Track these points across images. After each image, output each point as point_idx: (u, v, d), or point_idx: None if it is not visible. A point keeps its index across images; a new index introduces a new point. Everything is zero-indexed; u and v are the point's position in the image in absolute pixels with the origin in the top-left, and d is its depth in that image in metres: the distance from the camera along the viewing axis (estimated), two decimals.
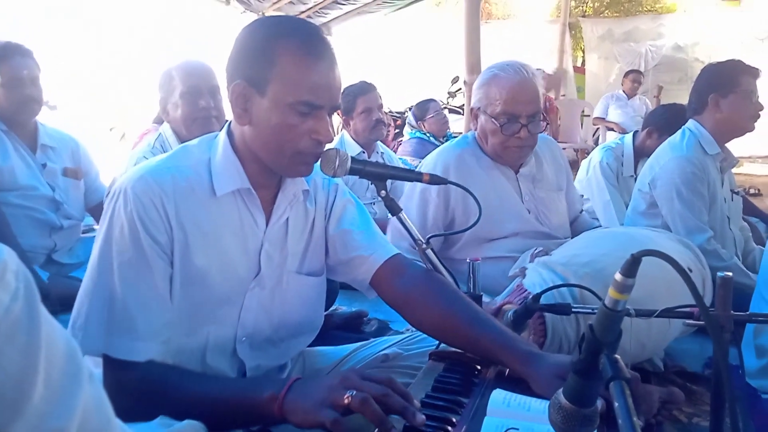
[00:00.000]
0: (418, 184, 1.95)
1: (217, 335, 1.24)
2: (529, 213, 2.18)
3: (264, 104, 1.17)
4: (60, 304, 1.97)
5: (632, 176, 3.54)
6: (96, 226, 3.04)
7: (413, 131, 4.90)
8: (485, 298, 1.62)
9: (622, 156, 3.56)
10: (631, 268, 0.67)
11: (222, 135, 1.27)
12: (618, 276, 0.67)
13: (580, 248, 1.83)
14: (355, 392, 0.92)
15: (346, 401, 0.92)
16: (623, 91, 7.84)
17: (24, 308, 0.45)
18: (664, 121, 3.32)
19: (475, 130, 2.23)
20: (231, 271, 1.24)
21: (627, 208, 3.21)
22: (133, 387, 1.09)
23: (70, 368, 0.49)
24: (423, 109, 4.91)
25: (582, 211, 2.55)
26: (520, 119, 2.05)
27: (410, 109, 5.43)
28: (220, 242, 1.22)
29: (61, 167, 2.61)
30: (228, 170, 1.23)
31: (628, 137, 3.61)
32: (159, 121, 3.46)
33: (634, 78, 7.80)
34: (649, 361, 1.87)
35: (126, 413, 0.98)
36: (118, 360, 1.09)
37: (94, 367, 1.20)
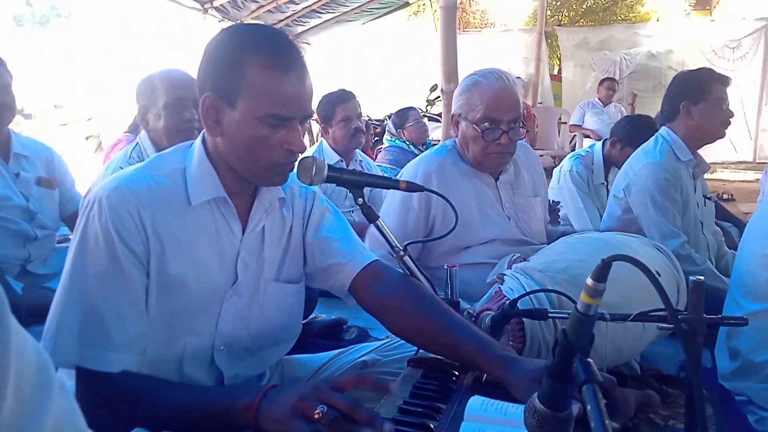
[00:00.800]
0: (399, 192, 1.96)
1: (195, 345, 1.23)
2: (509, 220, 2.20)
3: (235, 117, 1.17)
4: (35, 315, 1.94)
5: (603, 184, 3.60)
6: (72, 237, 3.00)
7: (393, 139, 4.92)
8: (465, 305, 1.63)
9: (592, 164, 3.62)
10: (602, 272, 0.68)
11: (197, 144, 1.26)
12: (589, 281, 0.69)
13: (557, 254, 1.85)
14: (326, 408, 0.93)
15: (316, 417, 0.93)
16: (599, 99, 7.95)
17: None
18: (626, 133, 3.40)
19: (456, 137, 2.24)
20: (208, 280, 1.23)
21: (599, 214, 3.27)
22: (107, 398, 1.07)
23: (41, 380, 0.48)
24: (402, 117, 4.94)
25: (559, 221, 2.57)
26: (501, 125, 2.07)
27: (389, 117, 5.46)
28: (196, 251, 1.21)
29: (35, 177, 2.57)
30: (203, 179, 1.22)
31: (598, 145, 3.68)
32: (132, 130, 3.43)
33: (608, 86, 7.92)
34: (626, 365, 1.89)
35: (101, 425, 0.96)
36: (92, 371, 1.07)
37: (68, 379, 1.18)
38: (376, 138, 6.80)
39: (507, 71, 2.17)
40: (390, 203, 2.19)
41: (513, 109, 2.09)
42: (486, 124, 2.08)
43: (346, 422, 0.92)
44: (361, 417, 0.92)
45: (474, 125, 2.10)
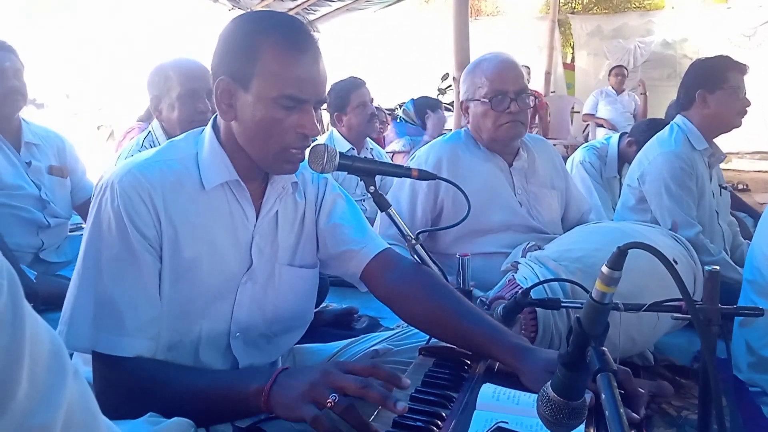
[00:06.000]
0: None
1: (210, 330, 1.24)
2: (521, 206, 2.19)
3: (248, 99, 1.16)
4: (48, 302, 1.96)
5: (615, 177, 3.56)
6: (83, 225, 3.02)
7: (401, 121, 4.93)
8: (478, 293, 1.62)
9: (606, 156, 3.58)
10: (618, 260, 0.67)
11: (207, 129, 1.26)
12: (605, 269, 0.68)
13: (572, 243, 1.84)
14: (338, 397, 0.92)
15: (329, 405, 0.92)
16: (612, 88, 7.87)
17: (8, 304, 0.45)
18: (645, 137, 3.34)
19: (468, 123, 2.24)
20: (222, 265, 1.23)
21: (611, 205, 3.24)
22: (122, 383, 1.08)
23: (55, 365, 0.48)
24: (427, 105, 4.91)
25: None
26: (509, 94, 2.10)
27: (400, 105, 5.44)
28: (210, 235, 1.21)
29: (47, 165, 2.59)
30: (216, 163, 1.22)
31: (615, 138, 3.64)
32: (145, 119, 3.44)
33: (617, 73, 7.84)
34: (640, 355, 1.89)
35: (117, 409, 0.97)
36: (107, 356, 1.08)
37: (83, 364, 1.19)
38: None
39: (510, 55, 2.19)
40: (400, 186, 2.20)
41: (517, 79, 2.14)
42: (493, 94, 2.11)
43: (359, 409, 0.92)
44: (373, 397, 0.92)
45: (482, 100, 2.12)
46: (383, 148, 4.33)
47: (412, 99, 5.20)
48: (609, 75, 8.01)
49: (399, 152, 4.57)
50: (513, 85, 2.11)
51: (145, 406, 1.00)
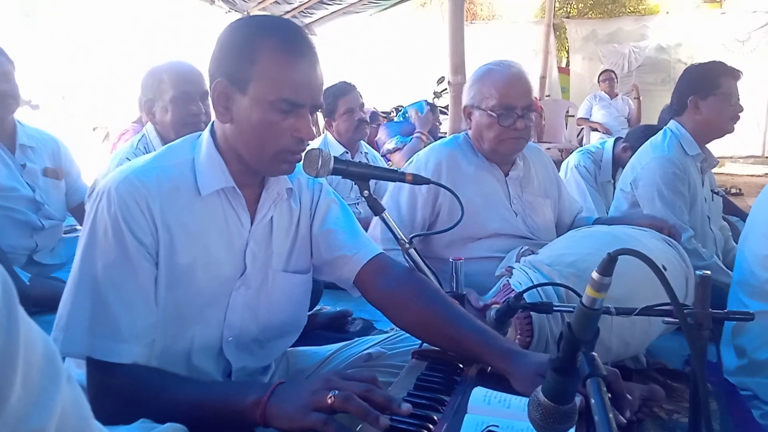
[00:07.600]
0: None
1: (203, 336, 1.24)
2: (516, 216, 2.19)
3: (245, 102, 1.17)
4: (42, 304, 1.96)
5: (609, 181, 3.57)
6: (78, 227, 3.01)
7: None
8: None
9: (601, 161, 3.59)
10: (608, 266, 0.68)
11: (206, 134, 1.27)
12: (595, 274, 0.68)
13: (565, 247, 1.84)
14: (337, 392, 0.93)
15: (329, 401, 0.92)
16: (606, 92, 7.90)
17: (2, 309, 0.45)
18: (640, 144, 3.35)
19: (469, 128, 2.24)
20: (216, 271, 1.23)
21: (605, 210, 3.25)
22: (117, 389, 1.08)
23: (49, 369, 0.49)
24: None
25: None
26: (516, 110, 2.09)
27: (396, 109, 5.46)
28: (205, 242, 1.21)
29: (41, 167, 2.59)
30: (212, 169, 1.23)
31: (609, 143, 3.65)
32: (139, 121, 3.43)
33: (605, 77, 7.87)
34: (633, 358, 1.90)
35: (110, 415, 0.97)
36: (102, 362, 1.08)
37: (76, 368, 1.19)
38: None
39: (518, 63, 2.18)
40: (399, 188, 2.20)
41: (526, 94, 2.12)
42: (501, 109, 2.09)
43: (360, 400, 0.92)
44: (377, 400, 0.92)
45: (489, 112, 2.10)
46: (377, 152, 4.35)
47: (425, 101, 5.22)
48: (599, 82, 8.04)
49: (394, 150, 4.58)
50: (521, 100, 2.09)
51: (138, 413, 1.00)
